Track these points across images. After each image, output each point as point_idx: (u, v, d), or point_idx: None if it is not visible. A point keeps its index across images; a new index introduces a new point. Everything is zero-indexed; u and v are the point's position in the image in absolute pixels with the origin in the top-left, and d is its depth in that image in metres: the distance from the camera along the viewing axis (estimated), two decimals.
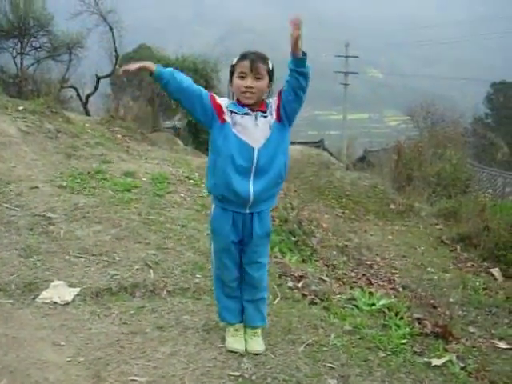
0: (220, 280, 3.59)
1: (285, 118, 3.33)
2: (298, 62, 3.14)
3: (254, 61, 3.25)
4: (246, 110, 3.29)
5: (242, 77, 3.26)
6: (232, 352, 3.47)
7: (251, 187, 3.28)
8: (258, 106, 3.34)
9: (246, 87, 3.25)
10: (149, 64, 3.27)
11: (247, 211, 3.36)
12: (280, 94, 3.32)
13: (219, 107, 3.30)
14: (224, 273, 3.53)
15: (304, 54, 3.12)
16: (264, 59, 3.30)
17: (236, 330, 3.61)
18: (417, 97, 35.73)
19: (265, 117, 3.31)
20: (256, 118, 3.29)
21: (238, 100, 3.35)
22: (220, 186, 3.32)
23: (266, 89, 3.33)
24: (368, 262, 7.41)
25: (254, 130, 3.28)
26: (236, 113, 3.29)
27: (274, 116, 3.33)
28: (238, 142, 3.26)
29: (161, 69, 3.27)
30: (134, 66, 3.25)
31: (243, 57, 3.28)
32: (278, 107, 3.32)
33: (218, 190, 3.36)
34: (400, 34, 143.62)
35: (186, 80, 3.31)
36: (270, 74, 3.34)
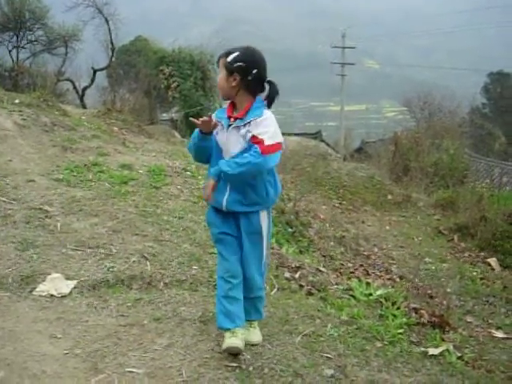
0: (220, 276, 3.43)
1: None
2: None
3: (218, 57, 3.37)
4: (225, 116, 3.35)
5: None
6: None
7: (225, 196, 3.32)
8: (238, 109, 3.35)
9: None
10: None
11: (225, 211, 3.38)
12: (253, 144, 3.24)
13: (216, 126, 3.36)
14: (222, 264, 3.42)
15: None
16: (227, 52, 3.32)
17: (232, 332, 3.33)
18: (414, 87, 35.71)
19: (239, 127, 3.27)
20: (227, 129, 3.31)
21: None
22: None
23: (224, 83, 3.32)
24: (365, 253, 7.42)
25: (226, 141, 3.32)
26: (218, 121, 3.36)
27: (250, 135, 3.24)
28: (216, 149, 3.37)
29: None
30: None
31: None
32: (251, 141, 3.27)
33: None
34: (397, 23, 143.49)
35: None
36: (230, 67, 3.28)
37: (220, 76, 3.32)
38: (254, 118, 3.24)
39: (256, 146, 3.16)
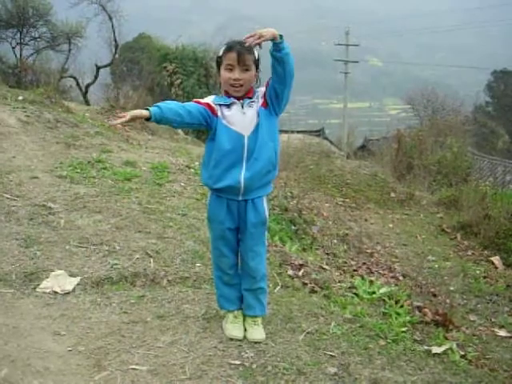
0: (218, 268, 3.60)
1: (270, 103, 3.34)
2: (274, 46, 3.13)
3: (241, 53, 3.22)
4: (232, 98, 3.31)
5: (230, 69, 3.25)
6: (232, 340, 3.47)
7: (242, 175, 3.29)
8: (245, 94, 3.36)
9: (235, 79, 3.25)
10: (142, 112, 3.14)
11: (240, 198, 3.36)
12: (268, 81, 3.34)
13: (208, 105, 3.30)
14: (221, 260, 3.54)
15: (280, 37, 3.09)
16: (250, 49, 3.25)
17: (235, 316, 3.62)
18: (417, 85, 35.71)
19: (252, 103, 3.32)
20: (243, 106, 3.30)
21: (225, 91, 3.36)
22: (213, 178, 3.33)
23: (253, 79, 3.34)
24: (368, 251, 7.41)
25: (242, 118, 3.29)
26: (223, 105, 3.30)
27: (261, 102, 3.34)
28: (228, 133, 3.28)
29: (153, 110, 3.16)
30: (125, 118, 3.09)
31: (229, 48, 3.25)
32: (265, 94, 3.34)
33: (212, 182, 3.36)
34: (400, 21, 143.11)
35: (177, 106, 3.28)
36: (257, 63, 3.33)
37: (251, 73, 3.28)
38: (257, 94, 3.36)
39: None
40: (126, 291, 4.12)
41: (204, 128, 3.35)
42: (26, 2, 21.45)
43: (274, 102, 3.32)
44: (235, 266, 3.58)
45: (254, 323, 3.58)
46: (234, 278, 3.59)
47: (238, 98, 3.32)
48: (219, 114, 3.30)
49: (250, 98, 3.33)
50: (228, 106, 3.30)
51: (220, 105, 3.31)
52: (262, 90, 3.37)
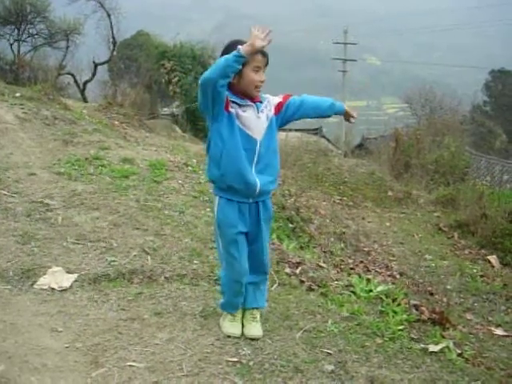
0: (231, 278, 3.50)
1: (284, 116, 3.45)
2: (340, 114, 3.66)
3: (267, 55, 3.25)
4: (248, 101, 3.28)
5: (257, 71, 3.23)
6: (229, 337, 3.48)
7: (257, 178, 3.30)
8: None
9: (262, 81, 3.27)
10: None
11: (251, 201, 3.36)
12: (288, 97, 3.44)
13: (226, 97, 3.25)
14: (234, 267, 3.44)
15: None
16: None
17: (233, 316, 3.61)
18: (416, 84, 35.74)
19: (263, 109, 3.33)
20: (258, 110, 3.30)
21: (238, 91, 3.29)
22: (228, 177, 3.28)
23: None
24: (366, 249, 7.41)
25: (257, 123, 3.29)
26: (238, 104, 3.26)
27: (273, 111, 3.38)
28: (242, 134, 3.26)
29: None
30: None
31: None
32: (281, 106, 3.41)
33: (225, 180, 3.31)
34: (399, 20, 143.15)
35: None
36: None
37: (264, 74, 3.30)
38: (266, 101, 3.39)
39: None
40: (123, 288, 4.12)
41: (209, 105, 3.22)
42: None
43: (290, 118, 3.48)
44: (246, 272, 3.48)
45: (253, 319, 3.58)
46: (242, 286, 3.52)
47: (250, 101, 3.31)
48: (233, 111, 3.25)
49: (261, 102, 3.34)
50: (240, 106, 3.27)
51: (234, 102, 3.26)
52: (273, 98, 3.42)
